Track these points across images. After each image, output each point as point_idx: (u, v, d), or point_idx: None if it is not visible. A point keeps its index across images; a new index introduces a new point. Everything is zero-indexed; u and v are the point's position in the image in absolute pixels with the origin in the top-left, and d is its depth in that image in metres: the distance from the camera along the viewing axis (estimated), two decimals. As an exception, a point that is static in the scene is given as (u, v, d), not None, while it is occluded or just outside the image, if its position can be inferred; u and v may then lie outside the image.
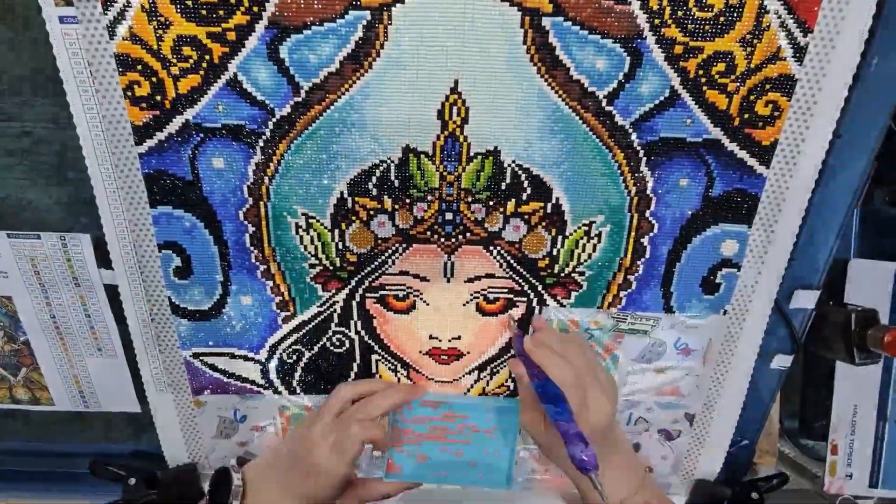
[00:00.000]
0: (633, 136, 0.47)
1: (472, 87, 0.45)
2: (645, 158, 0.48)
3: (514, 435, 0.59)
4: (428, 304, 0.55)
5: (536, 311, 0.55)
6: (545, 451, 0.51)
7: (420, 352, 0.58)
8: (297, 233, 0.51)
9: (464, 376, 0.59)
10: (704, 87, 0.45)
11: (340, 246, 0.51)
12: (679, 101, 0.46)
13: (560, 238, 0.51)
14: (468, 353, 0.57)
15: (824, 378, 0.65)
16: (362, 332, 0.57)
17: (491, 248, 0.52)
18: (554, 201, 0.50)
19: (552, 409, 0.45)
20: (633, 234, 0.51)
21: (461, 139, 0.47)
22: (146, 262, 0.52)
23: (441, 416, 0.59)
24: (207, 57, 0.44)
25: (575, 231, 0.51)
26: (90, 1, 0.42)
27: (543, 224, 0.51)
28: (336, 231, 0.51)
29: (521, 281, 0.54)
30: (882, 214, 0.61)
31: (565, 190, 0.49)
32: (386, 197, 0.49)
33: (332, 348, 0.57)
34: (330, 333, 0.56)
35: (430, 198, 0.49)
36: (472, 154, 0.48)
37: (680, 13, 0.43)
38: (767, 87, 0.45)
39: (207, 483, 0.56)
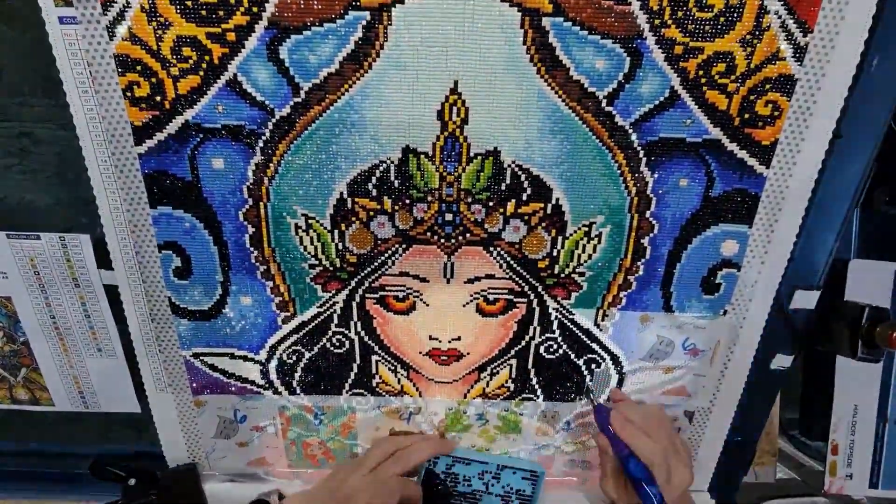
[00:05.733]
0: (633, 137, 0.47)
1: (471, 87, 0.45)
2: (645, 159, 0.48)
3: (535, 497, 0.63)
4: (428, 305, 0.55)
5: (614, 383, 0.59)
6: None
7: (420, 353, 0.57)
8: (296, 233, 0.51)
9: (464, 377, 0.59)
10: (704, 88, 0.45)
11: (340, 247, 0.51)
12: (679, 102, 0.46)
13: (560, 239, 0.51)
14: (468, 353, 0.57)
15: (824, 378, 0.65)
16: (362, 333, 0.57)
17: (491, 248, 0.52)
18: (554, 202, 0.50)
19: (641, 486, 0.51)
20: (633, 234, 0.51)
21: (461, 140, 0.47)
22: (146, 262, 0.52)
23: (471, 474, 0.63)
24: (207, 57, 0.44)
25: (575, 232, 0.51)
26: (90, 1, 0.41)
27: (543, 225, 0.51)
28: (336, 232, 0.51)
29: (521, 282, 0.53)
30: (882, 214, 0.60)
31: (565, 190, 0.49)
32: (386, 197, 0.49)
33: (331, 349, 0.57)
34: (330, 334, 0.56)
35: (429, 198, 0.49)
36: (471, 154, 0.48)
37: (680, 13, 0.43)
38: (767, 87, 0.45)
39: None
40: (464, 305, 0.55)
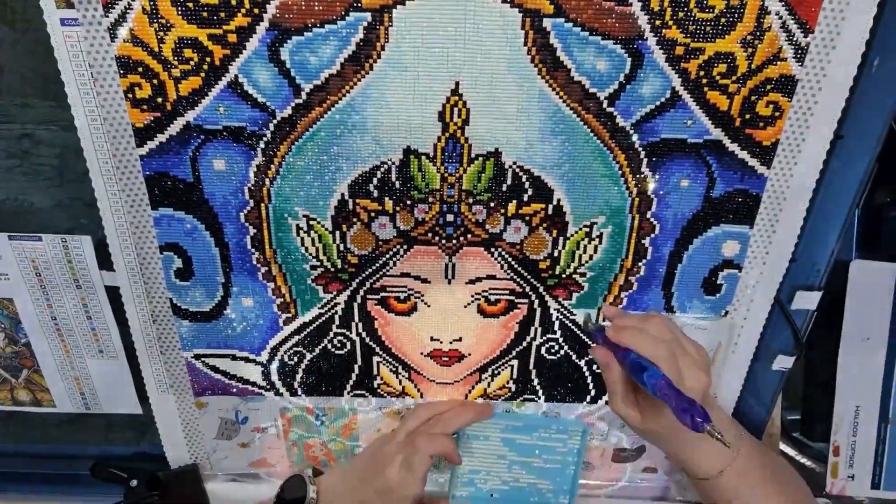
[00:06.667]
0: (635, 138, 0.47)
1: (472, 88, 0.45)
2: (646, 160, 0.48)
3: (578, 456, 0.62)
4: (429, 306, 0.55)
5: (603, 304, 0.55)
6: (647, 436, 0.49)
7: (421, 353, 0.57)
8: (298, 235, 0.51)
9: (465, 378, 0.59)
10: (705, 88, 0.45)
11: (341, 248, 0.51)
12: (680, 102, 0.46)
13: (561, 239, 0.51)
14: (469, 354, 0.57)
15: (826, 379, 0.65)
16: (363, 334, 0.57)
17: (492, 249, 0.52)
18: (555, 203, 0.50)
19: (651, 379, 0.42)
20: (634, 235, 0.51)
21: (462, 141, 0.47)
22: (147, 263, 0.52)
23: (505, 434, 0.62)
24: (208, 59, 0.44)
25: (576, 232, 0.51)
26: (91, 3, 0.42)
27: (544, 225, 0.51)
28: (337, 233, 0.51)
29: (522, 282, 0.53)
30: (884, 215, 0.60)
31: (566, 191, 0.49)
32: (387, 199, 0.49)
33: (333, 350, 0.57)
34: (331, 335, 0.56)
35: (430, 199, 0.49)
36: (472, 155, 0.48)
37: (681, 14, 0.43)
38: (768, 87, 0.45)
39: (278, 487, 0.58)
40: (465, 306, 0.55)
